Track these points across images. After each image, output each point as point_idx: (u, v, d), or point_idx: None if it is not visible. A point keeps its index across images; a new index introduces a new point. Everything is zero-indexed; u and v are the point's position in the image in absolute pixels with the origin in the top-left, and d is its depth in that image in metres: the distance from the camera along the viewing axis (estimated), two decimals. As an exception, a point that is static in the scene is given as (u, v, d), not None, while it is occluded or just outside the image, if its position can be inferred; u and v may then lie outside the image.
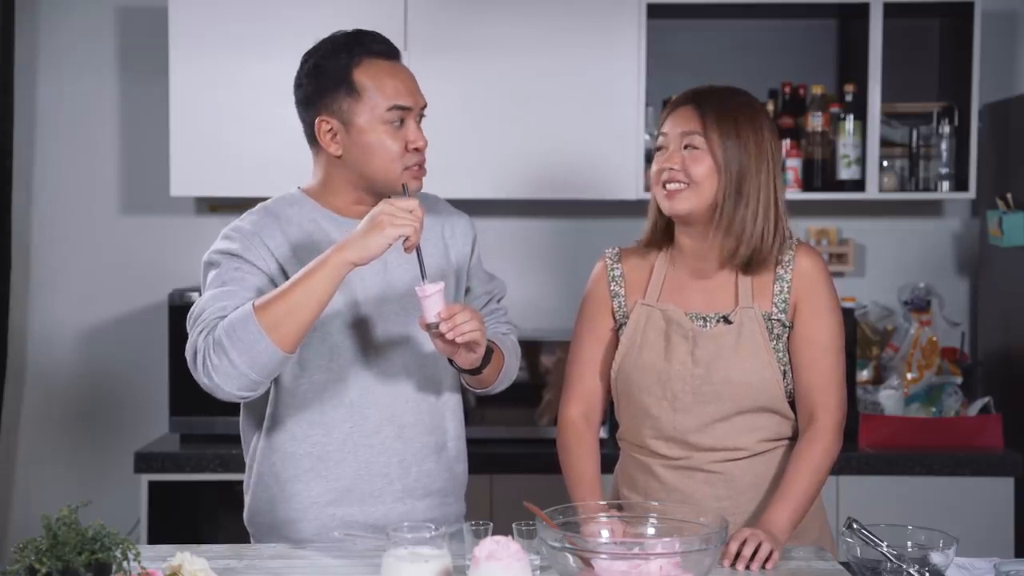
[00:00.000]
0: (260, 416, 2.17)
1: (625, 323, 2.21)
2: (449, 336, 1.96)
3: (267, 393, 2.14)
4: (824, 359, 2.13)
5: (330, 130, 2.10)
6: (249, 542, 2.21)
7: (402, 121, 2.07)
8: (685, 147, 2.11)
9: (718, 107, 2.11)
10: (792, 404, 2.17)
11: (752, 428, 2.14)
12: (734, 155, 2.09)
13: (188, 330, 2.02)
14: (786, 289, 2.14)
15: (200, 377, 1.97)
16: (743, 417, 2.14)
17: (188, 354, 1.99)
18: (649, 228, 2.23)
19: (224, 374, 1.94)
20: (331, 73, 2.09)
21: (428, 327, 1.98)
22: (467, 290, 2.26)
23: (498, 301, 2.32)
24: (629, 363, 2.19)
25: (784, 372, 2.15)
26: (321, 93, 2.10)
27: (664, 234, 2.23)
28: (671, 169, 2.12)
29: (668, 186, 2.12)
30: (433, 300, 1.97)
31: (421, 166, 2.10)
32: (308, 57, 2.14)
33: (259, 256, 2.07)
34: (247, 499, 2.20)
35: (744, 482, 2.15)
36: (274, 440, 2.14)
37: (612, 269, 2.25)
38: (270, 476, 2.15)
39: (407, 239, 1.94)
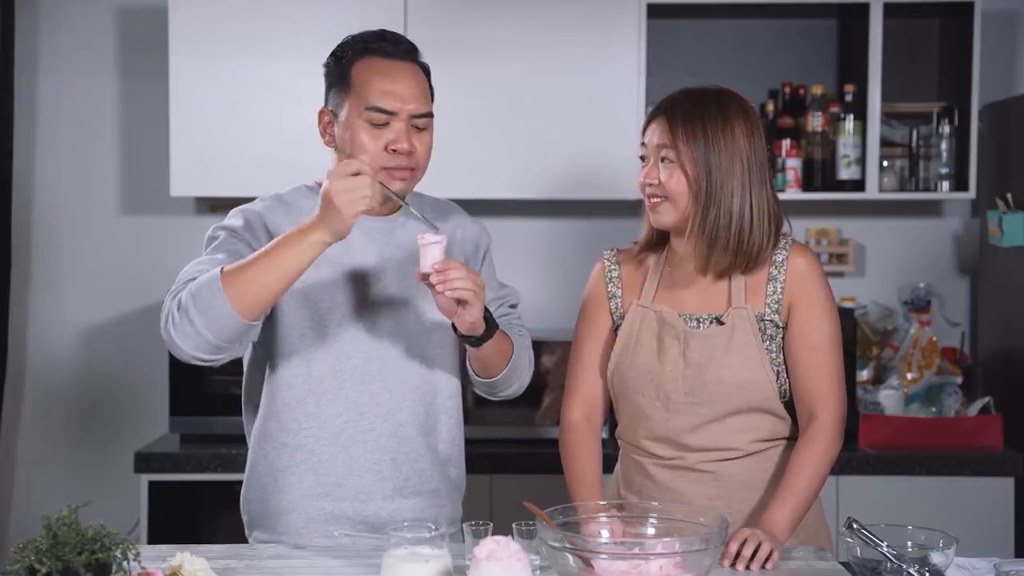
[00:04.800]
0: (257, 403, 2.19)
1: (622, 324, 2.22)
2: (439, 288, 1.96)
3: (262, 382, 2.15)
4: (821, 358, 2.13)
5: (327, 121, 2.14)
6: (244, 531, 2.21)
7: (387, 123, 2.07)
8: (661, 160, 2.13)
9: (687, 118, 2.11)
10: (787, 404, 2.17)
11: (745, 429, 2.15)
12: (703, 166, 2.10)
13: None
14: (779, 290, 2.15)
15: (162, 333, 1.97)
16: (736, 418, 2.14)
17: (160, 318, 1.99)
18: (645, 231, 2.25)
19: (182, 332, 1.93)
20: (336, 66, 2.13)
21: (423, 277, 1.98)
22: None
23: (511, 306, 2.32)
24: (624, 364, 2.19)
25: (778, 372, 2.15)
26: (327, 84, 2.16)
27: (660, 236, 2.24)
28: (650, 184, 2.14)
29: (651, 200, 2.16)
30: (431, 250, 1.97)
31: (404, 168, 2.08)
32: (332, 50, 2.17)
33: (258, 238, 2.08)
34: (243, 485, 2.22)
35: (737, 481, 2.15)
36: (269, 429, 2.15)
37: (610, 270, 2.27)
38: (263, 465, 2.16)
39: (371, 208, 1.92)
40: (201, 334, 1.93)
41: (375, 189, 1.92)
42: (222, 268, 1.94)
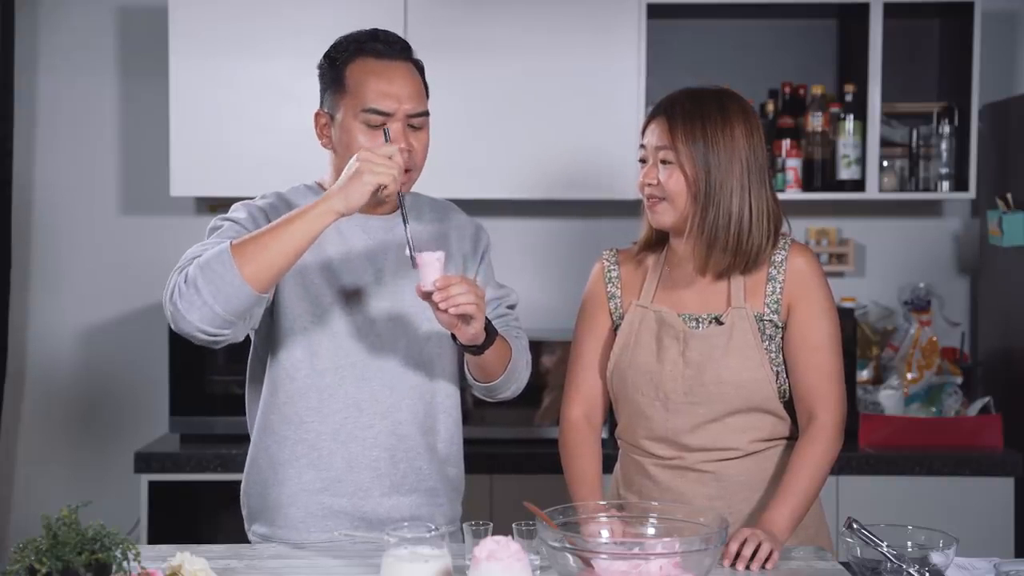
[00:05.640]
0: (260, 396, 2.19)
1: (621, 324, 2.22)
2: (442, 306, 1.95)
3: (265, 374, 2.16)
4: (821, 358, 2.13)
5: (324, 124, 2.14)
6: (244, 528, 2.22)
7: (384, 124, 2.07)
8: (661, 161, 2.13)
9: (686, 118, 2.11)
10: (787, 404, 2.17)
11: (745, 428, 2.15)
12: (702, 166, 2.10)
13: None
14: (778, 290, 2.15)
15: (167, 308, 1.93)
16: (735, 417, 2.14)
17: (164, 293, 1.96)
18: (644, 231, 2.25)
19: (188, 302, 1.90)
20: (330, 68, 2.14)
21: (424, 295, 1.98)
22: None
23: (509, 307, 2.32)
24: (623, 363, 2.19)
25: (777, 372, 2.15)
26: (322, 86, 2.16)
27: (660, 236, 2.24)
28: (649, 184, 2.15)
29: (649, 200, 2.16)
30: (430, 269, 1.96)
31: (402, 168, 2.07)
32: (325, 52, 2.17)
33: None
34: (244, 478, 2.22)
35: (736, 481, 2.15)
36: (271, 422, 2.16)
37: (609, 270, 2.27)
38: (264, 458, 2.17)
39: (386, 187, 1.93)
40: (208, 304, 1.90)
41: (399, 179, 1.94)
42: (231, 241, 1.93)
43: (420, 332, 2.16)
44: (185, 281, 1.91)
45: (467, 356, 2.14)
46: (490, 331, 2.07)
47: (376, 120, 2.07)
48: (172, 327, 1.95)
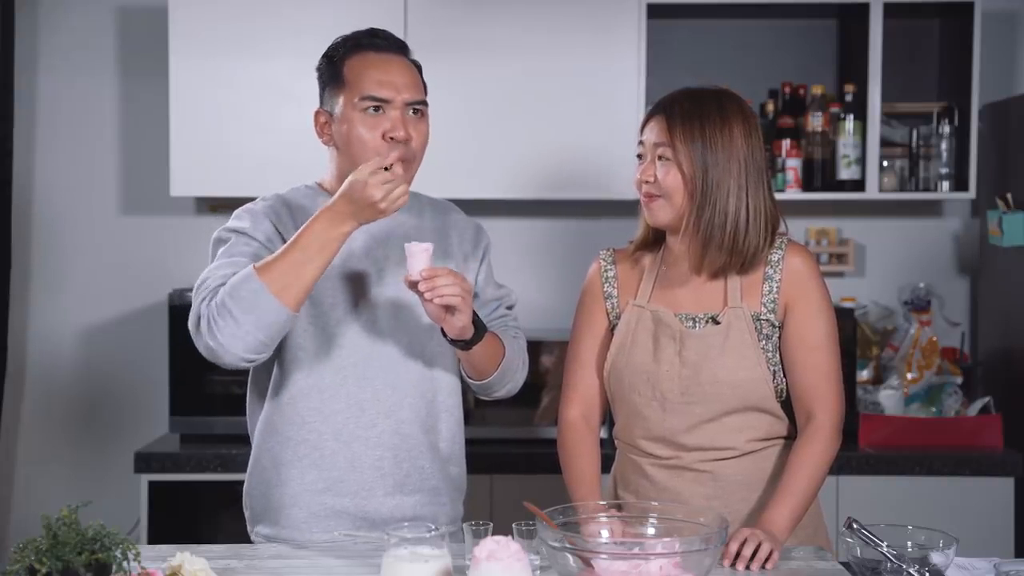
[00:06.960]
0: (263, 397, 2.19)
1: (618, 323, 2.22)
2: (427, 296, 1.97)
3: (270, 375, 2.16)
4: (819, 357, 2.13)
5: (324, 122, 2.15)
6: (245, 529, 2.22)
7: (383, 111, 2.08)
8: (659, 158, 2.13)
9: (684, 117, 2.12)
10: (784, 404, 2.17)
11: (742, 428, 2.15)
12: (700, 165, 2.10)
13: (192, 300, 2.03)
14: (775, 289, 2.14)
15: (205, 340, 1.96)
16: (732, 417, 2.14)
17: (191, 322, 1.99)
18: (641, 230, 2.25)
19: (230, 335, 1.93)
20: (328, 65, 2.15)
21: (411, 285, 1.99)
22: (475, 296, 2.26)
23: (507, 308, 2.32)
24: (620, 363, 2.19)
25: (774, 372, 2.15)
26: (321, 85, 2.18)
27: (656, 235, 2.24)
28: (646, 182, 2.15)
29: (646, 197, 2.16)
30: (418, 259, 1.98)
31: (404, 158, 2.08)
32: (323, 52, 2.19)
33: (268, 238, 2.09)
34: (246, 479, 2.22)
35: (734, 481, 2.15)
36: (273, 422, 2.16)
37: (606, 270, 2.27)
38: (267, 458, 2.17)
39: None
40: (250, 333, 1.93)
41: (403, 194, 1.95)
42: (254, 266, 1.95)
43: (423, 328, 2.17)
44: (219, 313, 1.93)
45: (459, 353, 2.15)
46: (479, 327, 2.08)
47: (377, 107, 2.08)
48: (209, 359, 1.98)
